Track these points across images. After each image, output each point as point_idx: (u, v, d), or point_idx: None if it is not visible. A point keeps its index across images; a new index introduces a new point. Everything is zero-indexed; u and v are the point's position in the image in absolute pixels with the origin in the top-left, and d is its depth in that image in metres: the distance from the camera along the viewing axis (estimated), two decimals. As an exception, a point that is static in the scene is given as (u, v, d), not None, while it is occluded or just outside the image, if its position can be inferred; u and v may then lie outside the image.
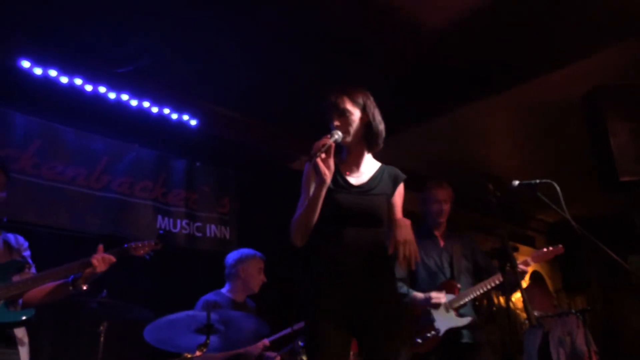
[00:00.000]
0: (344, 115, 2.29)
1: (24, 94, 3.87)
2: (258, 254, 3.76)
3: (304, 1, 3.55)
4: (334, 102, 2.30)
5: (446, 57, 4.20)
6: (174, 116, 4.53)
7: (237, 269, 3.66)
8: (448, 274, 3.52)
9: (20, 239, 2.66)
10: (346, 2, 3.58)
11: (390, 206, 2.36)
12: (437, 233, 3.67)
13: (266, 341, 3.46)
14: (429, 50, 4.11)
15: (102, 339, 2.78)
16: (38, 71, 3.80)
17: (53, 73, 3.87)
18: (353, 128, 2.29)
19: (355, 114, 2.30)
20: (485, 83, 4.56)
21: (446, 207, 3.65)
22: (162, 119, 4.49)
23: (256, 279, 3.69)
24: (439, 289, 3.42)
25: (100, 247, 2.53)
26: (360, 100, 2.32)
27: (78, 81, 3.98)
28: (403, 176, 2.44)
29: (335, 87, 2.35)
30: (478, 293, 3.42)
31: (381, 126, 2.35)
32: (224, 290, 3.68)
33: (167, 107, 4.49)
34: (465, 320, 3.35)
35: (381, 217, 2.31)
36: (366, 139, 2.35)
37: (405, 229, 2.15)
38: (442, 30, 3.87)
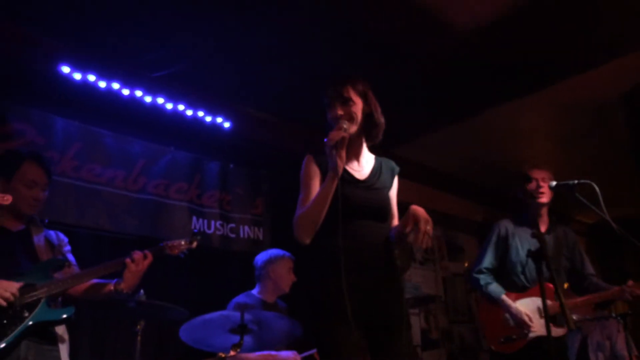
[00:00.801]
0: (347, 104, 2.23)
1: (64, 98, 3.98)
2: (287, 253, 3.75)
3: (338, 4, 3.56)
4: (338, 90, 2.24)
5: (480, 57, 4.14)
6: (208, 119, 4.60)
7: (266, 270, 3.66)
8: (547, 275, 3.38)
9: (61, 235, 2.73)
10: (379, 4, 3.57)
11: (390, 200, 2.34)
12: (541, 225, 3.47)
13: (299, 358, 3.41)
14: (462, 51, 4.06)
15: (139, 337, 2.83)
16: (77, 76, 3.91)
17: (92, 78, 3.97)
18: (356, 118, 2.23)
19: (358, 103, 2.25)
20: (521, 82, 4.48)
21: (545, 189, 3.37)
22: (197, 122, 4.57)
23: (286, 279, 3.68)
24: (533, 289, 3.29)
25: (136, 250, 2.57)
26: (363, 90, 2.27)
27: (115, 85, 4.08)
28: (398, 168, 2.41)
29: (338, 77, 2.30)
30: (581, 306, 3.30)
31: (382, 118, 2.30)
32: (254, 291, 3.69)
33: (201, 110, 4.56)
34: (560, 332, 3.15)
35: (388, 212, 2.29)
36: (366, 130, 2.29)
37: (422, 210, 2.11)
38: (476, 29, 3.82)
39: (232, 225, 4.82)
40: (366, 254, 2.14)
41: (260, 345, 3.07)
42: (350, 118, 2.21)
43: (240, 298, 3.56)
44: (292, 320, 2.95)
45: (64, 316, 2.36)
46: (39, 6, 3.48)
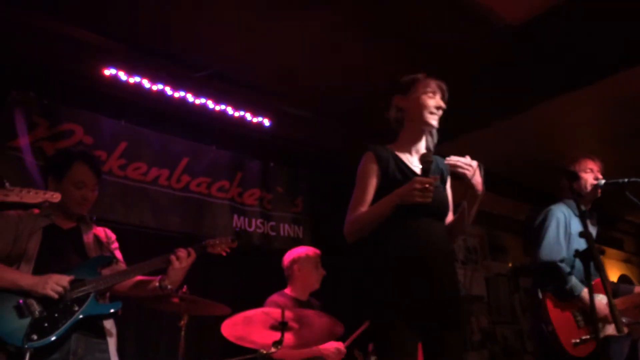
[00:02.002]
0: (444, 99, 2.27)
1: (111, 99, 4.10)
2: (311, 249, 3.73)
3: (382, 3, 3.53)
4: (440, 85, 2.29)
5: (526, 52, 4.04)
6: (250, 117, 4.65)
7: (293, 269, 3.65)
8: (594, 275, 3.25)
9: (109, 232, 2.81)
10: (424, 2, 3.53)
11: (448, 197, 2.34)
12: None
13: (342, 347, 3.43)
14: (508, 46, 3.98)
15: (182, 332, 2.88)
16: (126, 77, 4.03)
17: (141, 79, 4.10)
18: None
19: None
20: (569, 76, 4.34)
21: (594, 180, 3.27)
22: (239, 121, 4.63)
23: (314, 275, 3.66)
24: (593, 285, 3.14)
25: (179, 248, 2.63)
26: None
27: (163, 87, 4.20)
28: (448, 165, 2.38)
29: (425, 73, 2.32)
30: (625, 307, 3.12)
31: None
32: (287, 291, 3.69)
33: (243, 109, 4.62)
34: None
35: (447, 210, 2.29)
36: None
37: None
38: (522, 24, 3.73)
39: (273, 223, 4.86)
40: (426, 253, 2.12)
41: (301, 342, 3.08)
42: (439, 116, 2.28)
43: (275, 297, 3.56)
44: (332, 317, 2.94)
45: (112, 310, 2.44)
46: (90, 9, 3.60)
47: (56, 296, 2.24)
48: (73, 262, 2.46)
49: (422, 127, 2.29)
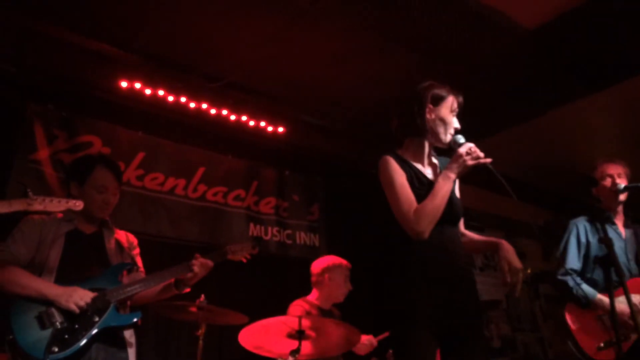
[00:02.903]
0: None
1: (128, 110, 4.16)
2: (344, 262, 3.73)
3: (399, 12, 3.54)
4: (461, 102, 2.29)
5: (543, 56, 4.01)
6: (264, 125, 4.67)
7: (323, 277, 3.65)
8: (635, 271, 3.16)
9: (131, 237, 2.82)
10: (440, 10, 3.53)
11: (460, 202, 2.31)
12: (617, 221, 3.31)
13: (374, 341, 3.43)
14: (524, 51, 3.95)
15: (200, 341, 2.89)
16: (140, 88, 4.08)
17: (157, 90, 4.16)
18: None
19: None
20: (587, 80, 4.29)
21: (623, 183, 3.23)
22: (254, 130, 4.65)
23: (342, 287, 3.66)
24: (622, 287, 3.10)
25: (197, 255, 2.65)
26: None
27: (180, 97, 4.25)
28: None
29: (449, 85, 2.31)
30: None
31: None
32: (310, 297, 3.69)
33: (258, 118, 4.64)
34: None
35: (461, 215, 2.27)
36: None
37: (513, 254, 2.13)
38: (538, 28, 3.70)
39: (289, 231, 4.86)
40: (447, 259, 2.12)
41: (318, 351, 3.07)
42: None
43: (298, 303, 3.57)
44: (351, 326, 2.93)
45: (132, 321, 2.44)
46: (107, 22, 3.65)
47: (78, 310, 2.26)
48: (94, 270, 2.48)
49: (437, 142, 2.30)
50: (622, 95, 4.50)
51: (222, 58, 4.05)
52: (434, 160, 2.36)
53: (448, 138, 2.25)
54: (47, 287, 2.29)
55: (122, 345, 2.46)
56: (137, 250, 2.80)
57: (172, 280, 2.63)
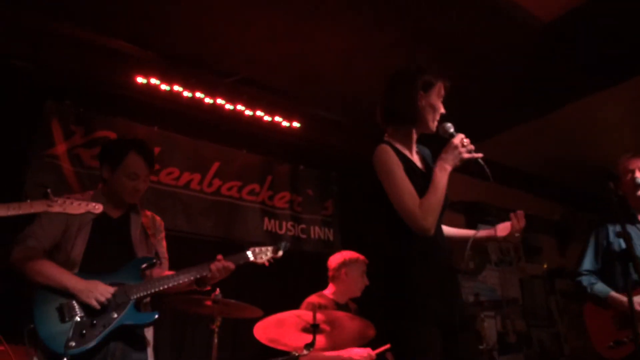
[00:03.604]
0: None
1: (144, 106, 4.19)
2: (361, 257, 3.74)
3: (412, 6, 3.53)
4: (448, 87, 2.22)
5: (558, 49, 3.96)
6: (279, 121, 4.68)
7: (340, 271, 3.67)
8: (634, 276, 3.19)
9: (158, 219, 2.80)
10: (453, 4, 3.51)
11: None
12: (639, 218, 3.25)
13: (372, 353, 3.40)
14: (539, 44, 3.91)
15: (216, 335, 2.92)
16: (156, 84, 4.11)
17: (173, 86, 4.18)
18: None
19: None
20: (604, 73, 4.23)
21: None
22: (269, 125, 4.66)
23: (359, 282, 3.68)
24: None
25: (219, 256, 2.62)
26: None
27: (195, 93, 4.27)
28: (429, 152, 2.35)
29: (437, 72, 2.24)
30: None
31: None
32: (326, 292, 3.71)
33: (273, 113, 4.65)
34: None
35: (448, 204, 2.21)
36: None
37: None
38: (554, 20, 3.66)
39: (303, 226, 4.88)
40: (441, 253, 2.11)
41: (333, 344, 3.09)
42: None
43: (313, 298, 3.58)
44: (365, 320, 2.94)
45: (149, 320, 2.44)
46: (122, 19, 3.68)
47: (98, 307, 2.27)
48: (118, 261, 2.46)
49: (424, 129, 2.24)
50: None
51: (237, 54, 4.07)
52: (415, 148, 2.30)
53: (435, 124, 2.19)
54: (69, 280, 2.29)
55: (140, 342, 2.46)
56: (162, 234, 2.78)
57: (194, 286, 2.63)
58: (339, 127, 5.03)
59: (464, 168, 2.13)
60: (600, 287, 3.14)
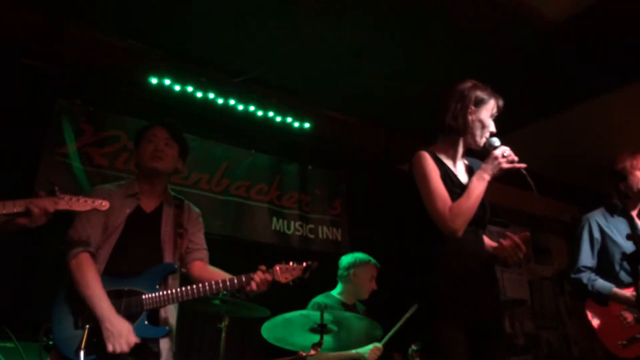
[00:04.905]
0: None
1: (153, 105, 4.20)
2: (372, 260, 3.75)
3: (423, 5, 3.52)
4: (501, 106, 2.28)
5: (568, 49, 3.93)
6: (288, 120, 4.69)
7: (349, 272, 3.67)
8: None
9: (194, 214, 2.71)
10: (465, 2, 3.50)
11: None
12: (633, 213, 3.22)
13: (379, 345, 3.41)
14: (550, 44, 3.88)
15: (223, 334, 2.92)
16: (166, 83, 4.13)
17: (183, 86, 4.21)
18: None
19: None
20: (615, 73, 4.20)
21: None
22: (278, 124, 4.67)
23: (367, 285, 3.68)
24: None
25: (262, 267, 2.54)
26: None
27: (205, 93, 4.29)
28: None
29: (491, 88, 2.30)
30: None
31: None
32: (334, 292, 3.72)
33: (283, 113, 4.66)
34: None
35: (488, 218, 2.28)
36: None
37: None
38: (564, 20, 3.63)
39: (311, 226, 4.87)
40: (474, 260, 2.15)
41: (340, 345, 3.08)
42: None
43: (320, 298, 3.59)
44: (372, 321, 2.93)
45: (158, 335, 2.38)
46: (134, 18, 3.70)
47: (111, 351, 2.17)
48: (142, 263, 2.40)
49: (471, 144, 2.29)
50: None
51: (248, 54, 4.08)
52: (465, 161, 2.37)
53: (483, 140, 2.25)
54: (103, 310, 2.21)
55: (152, 355, 2.37)
56: (199, 226, 2.71)
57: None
58: (348, 127, 5.02)
59: (507, 178, 2.17)
60: (601, 283, 3.09)
